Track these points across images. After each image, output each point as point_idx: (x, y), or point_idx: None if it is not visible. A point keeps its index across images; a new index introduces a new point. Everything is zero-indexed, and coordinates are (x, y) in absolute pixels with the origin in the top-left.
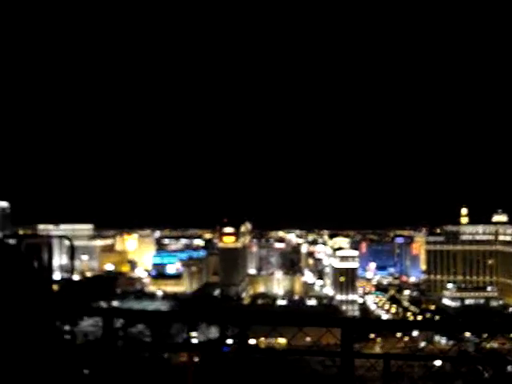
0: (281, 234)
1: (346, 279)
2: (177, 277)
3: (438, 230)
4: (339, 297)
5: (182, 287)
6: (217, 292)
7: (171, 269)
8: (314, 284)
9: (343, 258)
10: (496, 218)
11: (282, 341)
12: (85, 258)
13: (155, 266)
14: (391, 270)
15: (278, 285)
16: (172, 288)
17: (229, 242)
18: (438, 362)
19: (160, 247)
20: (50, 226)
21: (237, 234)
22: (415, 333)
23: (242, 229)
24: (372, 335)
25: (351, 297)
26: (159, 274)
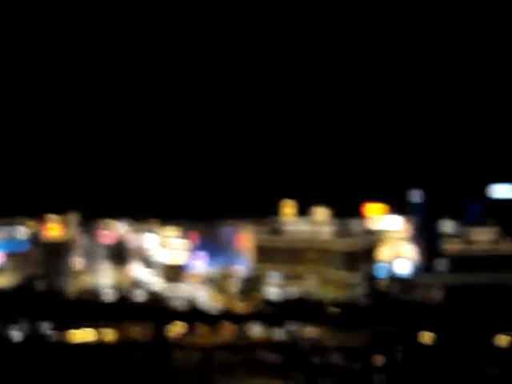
0: (109, 224)
1: (175, 271)
2: None
3: (265, 223)
4: (167, 289)
5: (5, 280)
6: (40, 286)
7: None
8: (142, 276)
9: (172, 249)
10: (317, 212)
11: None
12: None
13: None
14: (220, 261)
15: (106, 278)
16: None
17: (53, 233)
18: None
19: None
20: None
21: (62, 225)
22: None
23: (68, 219)
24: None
25: (180, 289)
26: None
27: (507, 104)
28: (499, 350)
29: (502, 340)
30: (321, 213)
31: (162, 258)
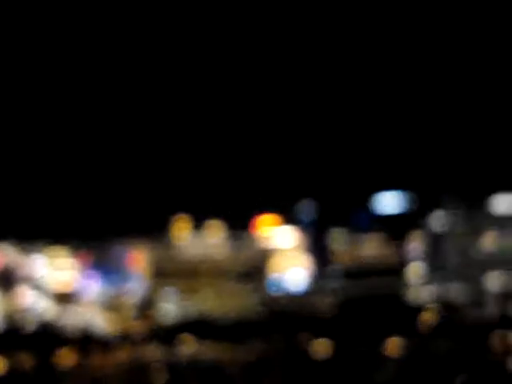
0: None
1: (66, 294)
2: None
3: (159, 240)
4: (59, 313)
5: None
6: None
7: None
8: (32, 302)
9: (62, 271)
10: (210, 225)
11: None
12: None
13: None
14: (113, 281)
15: None
16: None
17: None
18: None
19: None
20: None
21: None
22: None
23: None
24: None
25: (72, 312)
26: None
27: (395, 114)
28: (389, 357)
29: (392, 347)
30: (215, 227)
31: (52, 281)
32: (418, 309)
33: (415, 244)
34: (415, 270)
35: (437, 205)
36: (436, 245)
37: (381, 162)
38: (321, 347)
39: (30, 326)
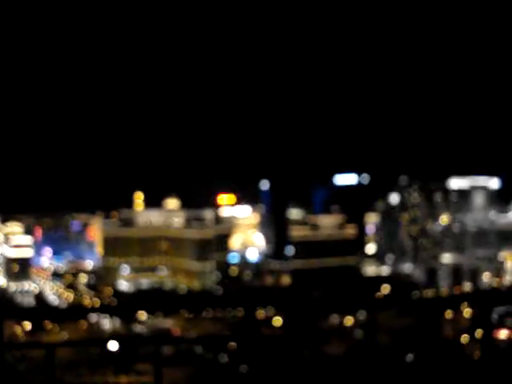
0: None
1: (20, 268)
2: None
3: (115, 215)
4: (13, 287)
5: None
6: None
7: None
8: None
9: (16, 245)
10: (168, 203)
11: None
12: None
13: None
14: (67, 255)
15: None
16: None
17: None
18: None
19: None
20: None
21: None
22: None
23: None
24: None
25: (26, 286)
26: None
27: (354, 101)
28: (345, 329)
29: (346, 321)
30: (172, 203)
31: (6, 254)
32: (372, 284)
33: (372, 222)
34: (371, 247)
35: (393, 186)
36: (391, 223)
37: (340, 146)
38: (276, 320)
39: None
